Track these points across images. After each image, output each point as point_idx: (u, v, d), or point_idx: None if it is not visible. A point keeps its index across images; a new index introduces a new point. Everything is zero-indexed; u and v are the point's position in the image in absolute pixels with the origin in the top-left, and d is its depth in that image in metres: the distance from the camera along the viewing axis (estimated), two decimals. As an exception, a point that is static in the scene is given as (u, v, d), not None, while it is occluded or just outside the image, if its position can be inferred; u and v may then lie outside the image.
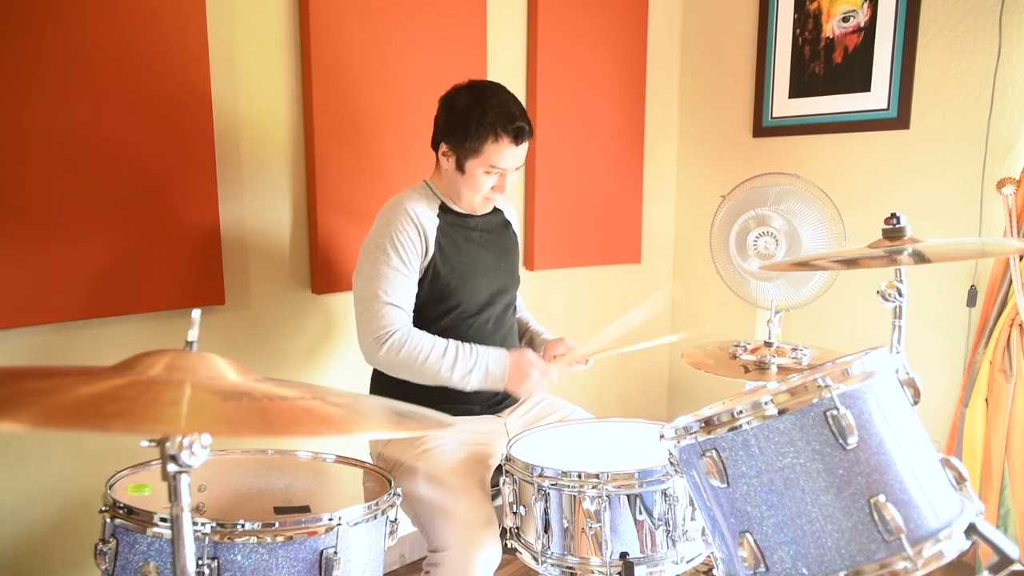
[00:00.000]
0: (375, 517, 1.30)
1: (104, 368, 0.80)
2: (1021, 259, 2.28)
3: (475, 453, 1.72)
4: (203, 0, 1.85)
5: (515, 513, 1.53)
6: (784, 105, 2.92)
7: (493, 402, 1.87)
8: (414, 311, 1.75)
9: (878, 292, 1.50)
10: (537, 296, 2.76)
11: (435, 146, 1.79)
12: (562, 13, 2.71)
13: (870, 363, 1.16)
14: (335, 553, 1.21)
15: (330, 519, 1.22)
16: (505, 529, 1.57)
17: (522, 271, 2.04)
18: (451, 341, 1.69)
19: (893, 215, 1.49)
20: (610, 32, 2.91)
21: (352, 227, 2.18)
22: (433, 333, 1.72)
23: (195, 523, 1.15)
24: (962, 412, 2.44)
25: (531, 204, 2.74)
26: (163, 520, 1.18)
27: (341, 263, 2.19)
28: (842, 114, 2.76)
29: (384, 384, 1.86)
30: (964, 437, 2.43)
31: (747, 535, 1.14)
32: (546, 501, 1.46)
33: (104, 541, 1.21)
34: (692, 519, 1.48)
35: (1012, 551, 1.07)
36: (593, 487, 1.41)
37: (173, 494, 0.78)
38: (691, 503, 1.46)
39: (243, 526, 1.17)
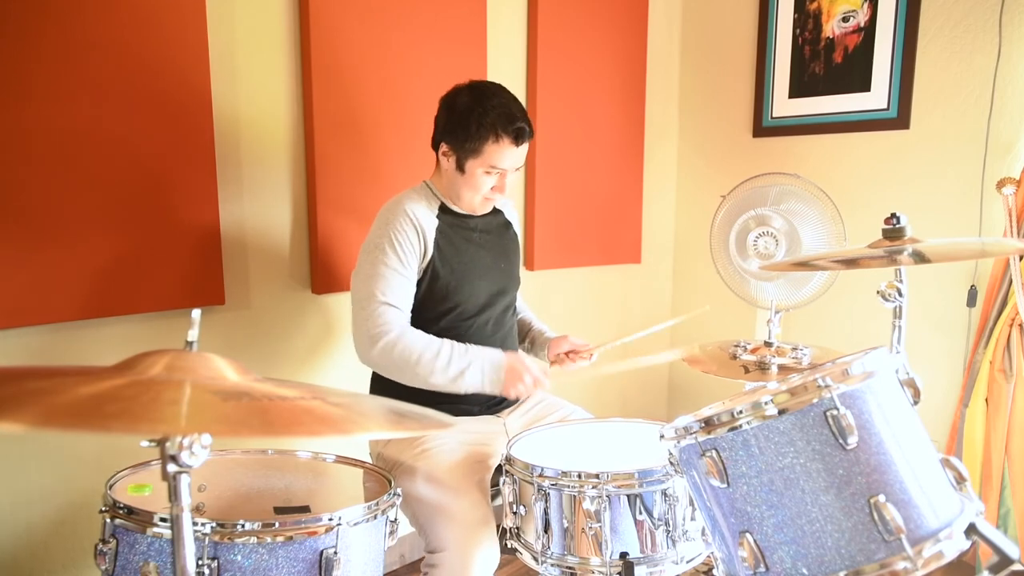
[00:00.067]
0: (375, 517, 1.30)
1: (104, 368, 0.80)
2: (1021, 259, 2.28)
3: (475, 453, 1.72)
4: (203, 0, 1.85)
5: (515, 513, 1.53)
6: (784, 105, 2.92)
7: (493, 402, 1.87)
8: (414, 312, 1.75)
9: (878, 292, 1.50)
10: (537, 296, 2.76)
11: (435, 146, 1.79)
12: (562, 13, 2.71)
13: (870, 363, 1.16)
14: (335, 553, 1.21)
15: (330, 519, 1.22)
16: (505, 529, 1.57)
17: (522, 271, 2.04)
18: (446, 341, 1.68)
19: (893, 215, 1.49)
20: (610, 32, 2.91)
21: (352, 227, 2.18)
22: (432, 334, 1.72)
23: (195, 523, 1.15)
24: (962, 412, 2.44)
25: (531, 204, 2.74)
26: (163, 520, 1.18)
27: (341, 263, 2.19)
28: (842, 114, 2.76)
29: (384, 384, 1.85)
30: (964, 437, 2.43)
31: (747, 535, 1.14)
32: (546, 501, 1.46)
33: (104, 541, 1.21)
34: (692, 519, 1.48)
35: (1012, 551, 1.07)
36: (593, 487, 1.41)
37: (173, 494, 0.78)
38: (691, 503, 1.46)
39: (243, 526, 1.17)
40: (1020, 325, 2.29)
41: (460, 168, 1.73)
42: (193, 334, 0.87)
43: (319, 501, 1.34)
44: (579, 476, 1.42)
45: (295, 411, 0.77)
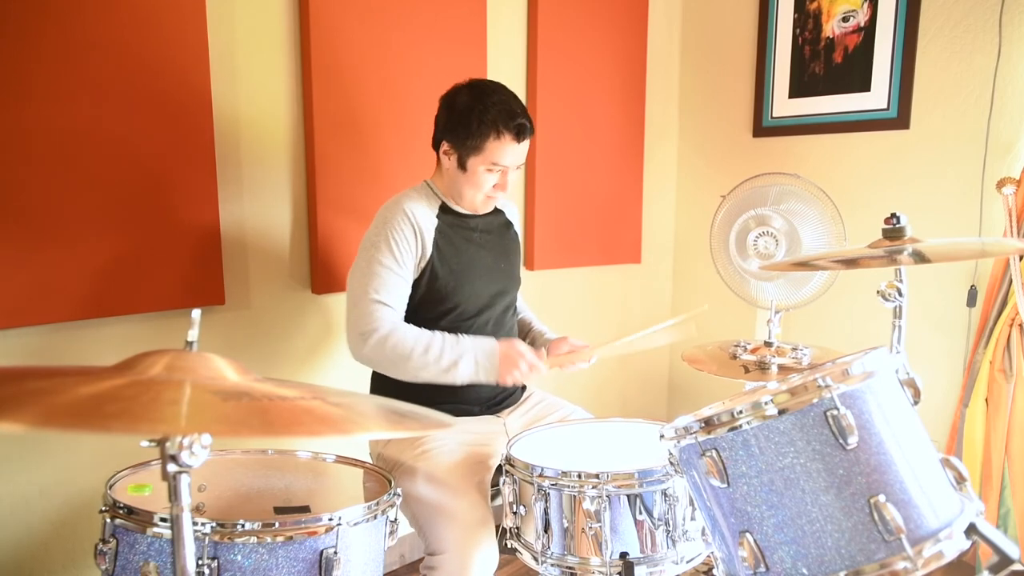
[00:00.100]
0: (375, 517, 1.30)
1: (104, 368, 0.80)
2: (1021, 259, 2.28)
3: (475, 454, 1.72)
4: (203, 0, 1.85)
5: (515, 513, 1.53)
6: (784, 105, 2.92)
7: (493, 402, 1.87)
8: (413, 312, 1.75)
9: (878, 292, 1.50)
10: (537, 296, 2.76)
11: (436, 145, 1.79)
12: (562, 13, 2.71)
13: (870, 363, 1.16)
14: (335, 553, 1.21)
15: (330, 519, 1.22)
16: (505, 529, 1.57)
17: (522, 271, 2.04)
18: (437, 333, 1.67)
19: (893, 215, 1.49)
20: (610, 32, 2.91)
21: (352, 227, 2.18)
22: (432, 333, 1.72)
23: (195, 523, 1.15)
24: (962, 412, 2.44)
25: (531, 204, 2.74)
26: (163, 520, 1.18)
27: (341, 263, 2.19)
28: (842, 114, 2.76)
29: (384, 384, 1.86)
30: (964, 437, 2.43)
31: (747, 535, 1.14)
32: (546, 501, 1.46)
33: (104, 541, 1.21)
34: (692, 519, 1.48)
35: (1012, 551, 1.07)
36: (593, 487, 1.41)
37: (173, 494, 0.78)
38: (691, 503, 1.46)
39: (243, 526, 1.17)
40: (1020, 325, 2.29)
41: (462, 166, 1.73)
42: (193, 334, 0.87)
43: (319, 501, 1.34)
44: (579, 476, 1.42)
45: (295, 411, 0.77)
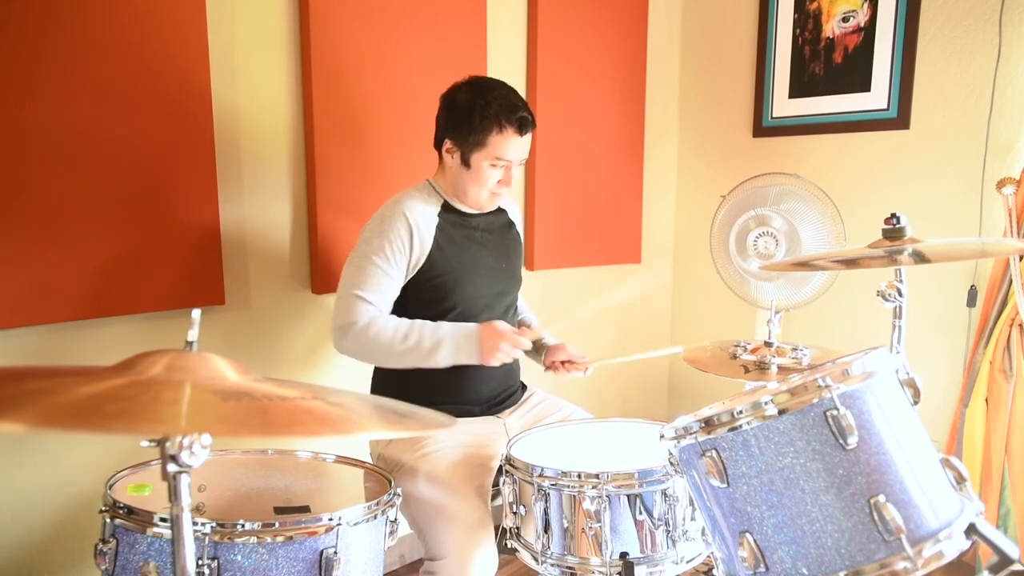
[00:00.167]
0: (375, 517, 1.30)
1: (104, 368, 0.80)
2: (1021, 259, 2.28)
3: (476, 455, 1.72)
4: (203, 0, 1.85)
5: (515, 513, 1.53)
6: (784, 105, 2.92)
7: (493, 403, 1.87)
8: (413, 312, 1.75)
9: (878, 292, 1.50)
10: (537, 296, 2.76)
11: (438, 144, 1.79)
12: (562, 13, 2.71)
13: (870, 363, 1.16)
14: (335, 553, 1.21)
15: (330, 519, 1.22)
16: (505, 529, 1.57)
17: (523, 271, 2.04)
18: (416, 320, 1.69)
19: (893, 215, 1.49)
20: (610, 32, 2.91)
21: (352, 227, 2.18)
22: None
23: (195, 523, 1.15)
24: (962, 412, 2.44)
25: (531, 204, 2.74)
26: (163, 520, 1.18)
27: (341, 263, 2.17)
28: (842, 114, 2.76)
29: (384, 384, 1.86)
30: (964, 437, 2.43)
31: (747, 535, 1.14)
32: (546, 501, 1.46)
33: (104, 541, 1.21)
34: (692, 519, 1.48)
35: (1012, 551, 1.07)
36: (593, 487, 1.41)
37: (173, 494, 0.78)
38: (691, 503, 1.46)
39: (243, 526, 1.17)
40: (1020, 325, 2.29)
41: (465, 163, 1.73)
42: (193, 334, 0.87)
43: (319, 501, 1.34)
44: (579, 476, 1.42)
45: (295, 411, 0.77)
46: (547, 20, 2.66)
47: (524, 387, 1.99)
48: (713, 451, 1.15)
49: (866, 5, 2.66)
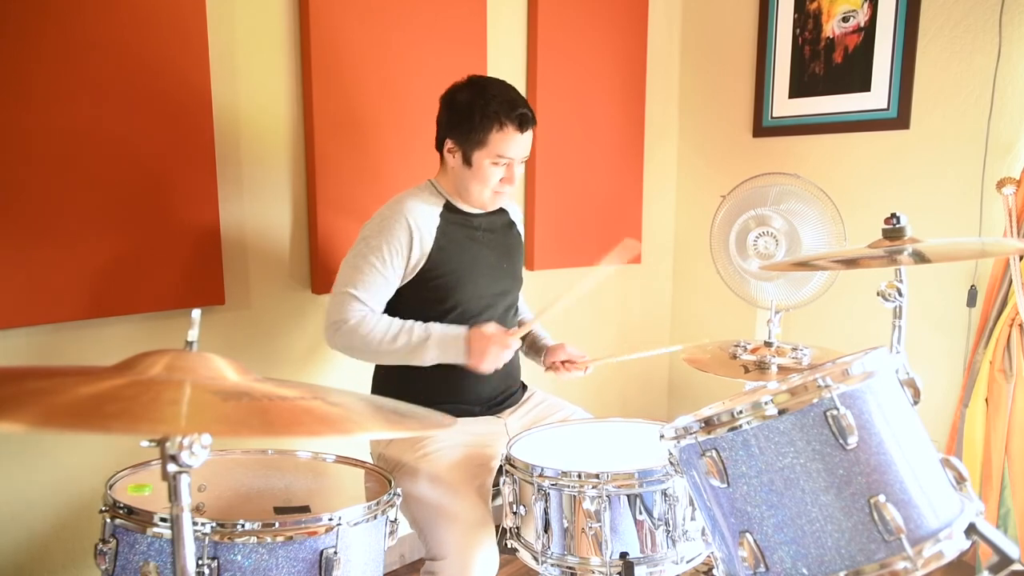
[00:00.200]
0: (375, 517, 1.30)
1: (104, 368, 0.80)
2: (1021, 259, 2.28)
3: (476, 455, 1.72)
4: (203, 0, 1.85)
5: (515, 513, 1.53)
6: (784, 105, 2.92)
7: (494, 403, 1.87)
8: (414, 312, 1.75)
9: (878, 292, 1.50)
10: (537, 296, 2.76)
11: (439, 145, 1.79)
12: (562, 13, 2.71)
13: (870, 363, 1.16)
14: (335, 553, 1.21)
15: (330, 519, 1.22)
16: (505, 529, 1.57)
17: (523, 271, 2.04)
18: (407, 321, 1.71)
19: (893, 215, 1.49)
20: (610, 32, 2.91)
21: (352, 227, 2.17)
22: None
23: (195, 523, 1.15)
24: (962, 412, 2.44)
25: (531, 204, 2.74)
26: (163, 520, 1.18)
27: (341, 263, 2.19)
28: (842, 114, 2.76)
29: (385, 384, 1.86)
30: (964, 437, 2.43)
31: (747, 535, 1.14)
32: (546, 501, 1.46)
33: (104, 541, 1.21)
34: (692, 519, 1.47)
35: (1012, 551, 1.07)
36: (593, 487, 1.41)
37: (173, 494, 0.78)
38: (691, 503, 1.46)
39: (243, 526, 1.17)
40: (1020, 325, 2.29)
41: (467, 162, 1.73)
42: (193, 334, 0.87)
43: (319, 501, 1.34)
44: (579, 476, 1.42)
45: (295, 411, 0.77)
46: (547, 20, 2.66)
47: (524, 387, 1.99)
48: (713, 451, 1.15)
49: (866, 5, 2.66)
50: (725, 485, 1.15)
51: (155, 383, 0.75)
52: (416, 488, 1.64)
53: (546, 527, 1.46)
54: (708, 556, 1.45)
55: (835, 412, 1.09)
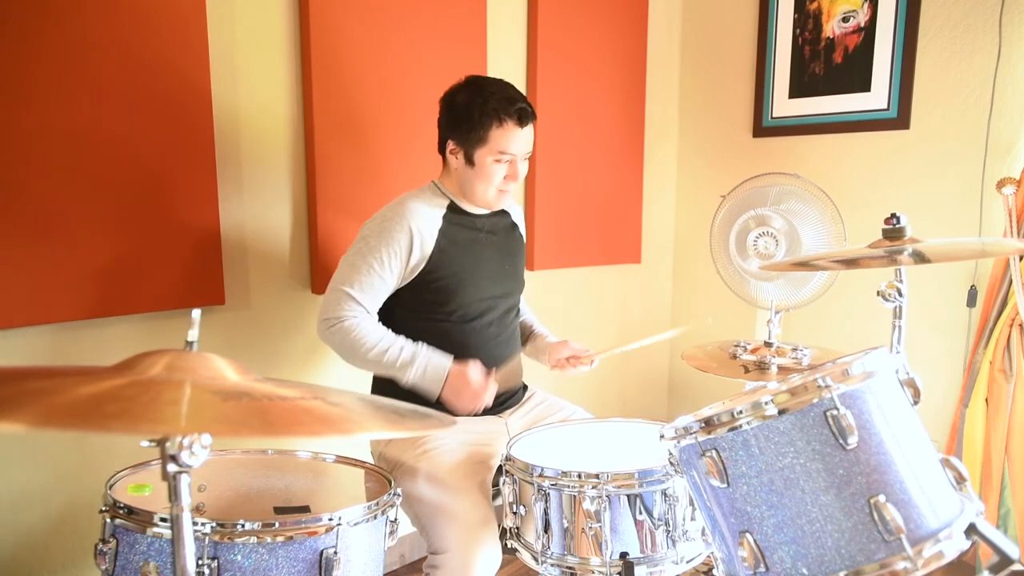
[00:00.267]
0: (375, 517, 1.30)
1: (104, 368, 0.80)
2: (1021, 259, 2.28)
3: (476, 454, 1.72)
4: (203, 0, 1.85)
5: (515, 513, 1.53)
6: (784, 105, 2.92)
7: (495, 403, 1.86)
8: (415, 313, 1.75)
9: (878, 292, 1.50)
10: (537, 296, 2.76)
11: (442, 148, 1.79)
12: (562, 13, 2.71)
13: (870, 363, 1.16)
14: (335, 553, 1.21)
15: (330, 519, 1.22)
16: (505, 529, 1.57)
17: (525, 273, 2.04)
18: (399, 338, 1.70)
19: (893, 215, 1.49)
20: (610, 32, 2.91)
21: (352, 227, 2.17)
22: (435, 335, 1.73)
23: (195, 523, 1.15)
24: (962, 412, 2.44)
25: (531, 204, 2.74)
26: (163, 520, 1.18)
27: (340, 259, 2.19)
28: (842, 114, 2.76)
29: (385, 384, 1.86)
30: (964, 437, 2.43)
31: (747, 535, 1.14)
32: (546, 501, 1.46)
33: (104, 541, 1.21)
34: (692, 519, 1.48)
35: (1012, 551, 1.07)
36: (593, 487, 1.41)
37: (173, 494, 0.78)
38: (691, 503, 1.46)
39: (243, 526, 1.17)
40: (1020, 325, 2.29)
41: (470, 161, 1.73)
42: (193, 334, 0.87)
43: (319, 501, 1.34)
44: (579, 476, 1.42)
45: (295, 411, 0.77)
46: (547, 20, 2.66)
47: (525, 387, 1.99)
48: (713, 451, 1.15)
49: (866, 5, 2.66)
50: (725, 485, 1.15)
51: (155, 383, 0.75)
52: (416, 487, 1.64)
53: (546, 527, 1.46)
54: (708, 556, 1.45)
55: (835, 412, 1.09)
